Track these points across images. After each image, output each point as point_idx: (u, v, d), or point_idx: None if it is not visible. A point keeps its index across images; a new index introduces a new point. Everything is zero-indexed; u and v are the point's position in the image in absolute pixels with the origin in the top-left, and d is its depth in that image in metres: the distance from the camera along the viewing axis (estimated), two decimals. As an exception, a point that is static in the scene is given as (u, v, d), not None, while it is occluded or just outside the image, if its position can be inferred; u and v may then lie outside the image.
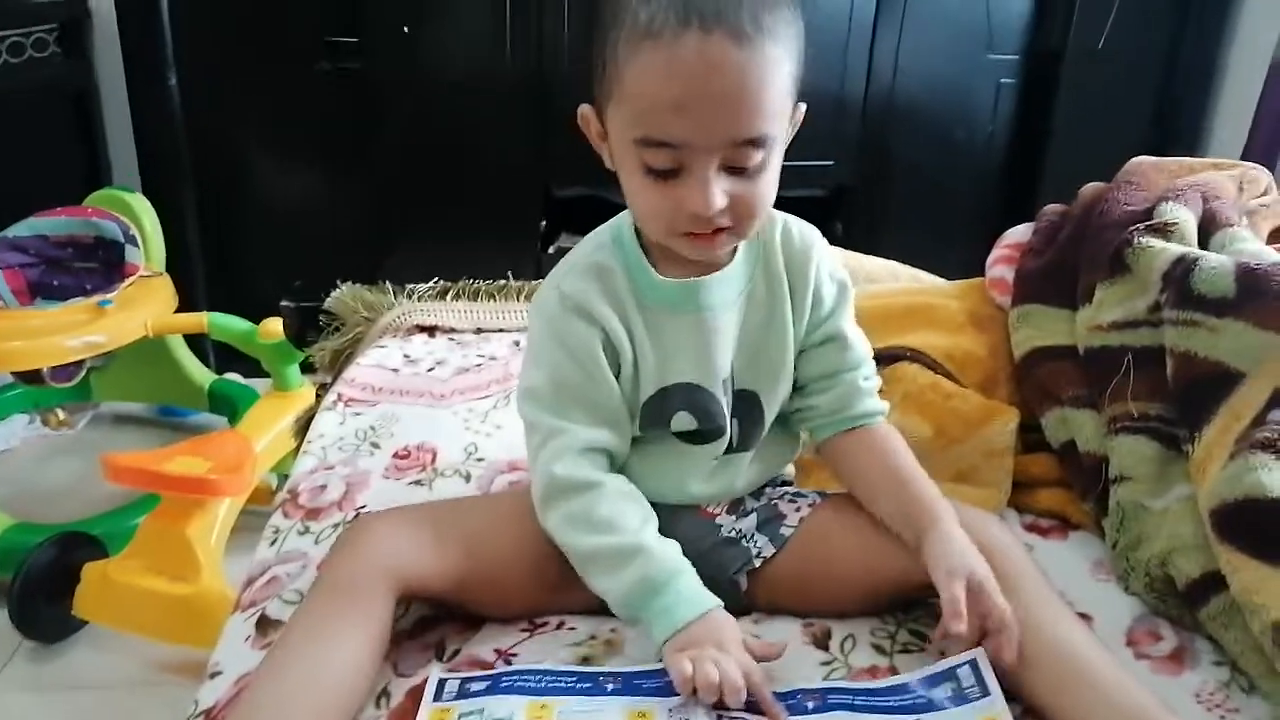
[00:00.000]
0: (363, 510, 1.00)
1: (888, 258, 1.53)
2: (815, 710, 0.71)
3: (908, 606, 0.85)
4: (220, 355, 2.25)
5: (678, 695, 0.69)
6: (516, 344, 1.40)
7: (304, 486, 1.06)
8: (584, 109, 0.77)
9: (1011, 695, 0.73)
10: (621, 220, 0.83)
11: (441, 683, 0.72)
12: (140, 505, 1.68)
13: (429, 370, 1.33)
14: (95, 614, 1.49)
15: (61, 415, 2.18)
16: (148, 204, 1.98)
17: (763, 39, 0.68)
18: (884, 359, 1.15)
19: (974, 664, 0.72)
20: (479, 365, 1.34)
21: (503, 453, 1.12)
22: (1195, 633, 0.84)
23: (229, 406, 2.04)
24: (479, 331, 1.47)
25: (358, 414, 1.21)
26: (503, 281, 1.54)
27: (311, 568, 0.92)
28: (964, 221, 2.46)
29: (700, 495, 0.87)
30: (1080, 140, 2.36)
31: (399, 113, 2.28)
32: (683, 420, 0.82)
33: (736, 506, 0.88)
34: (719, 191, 0.71)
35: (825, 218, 2.38)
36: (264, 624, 0.85)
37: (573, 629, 0.82)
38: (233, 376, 2.18)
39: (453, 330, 1.46)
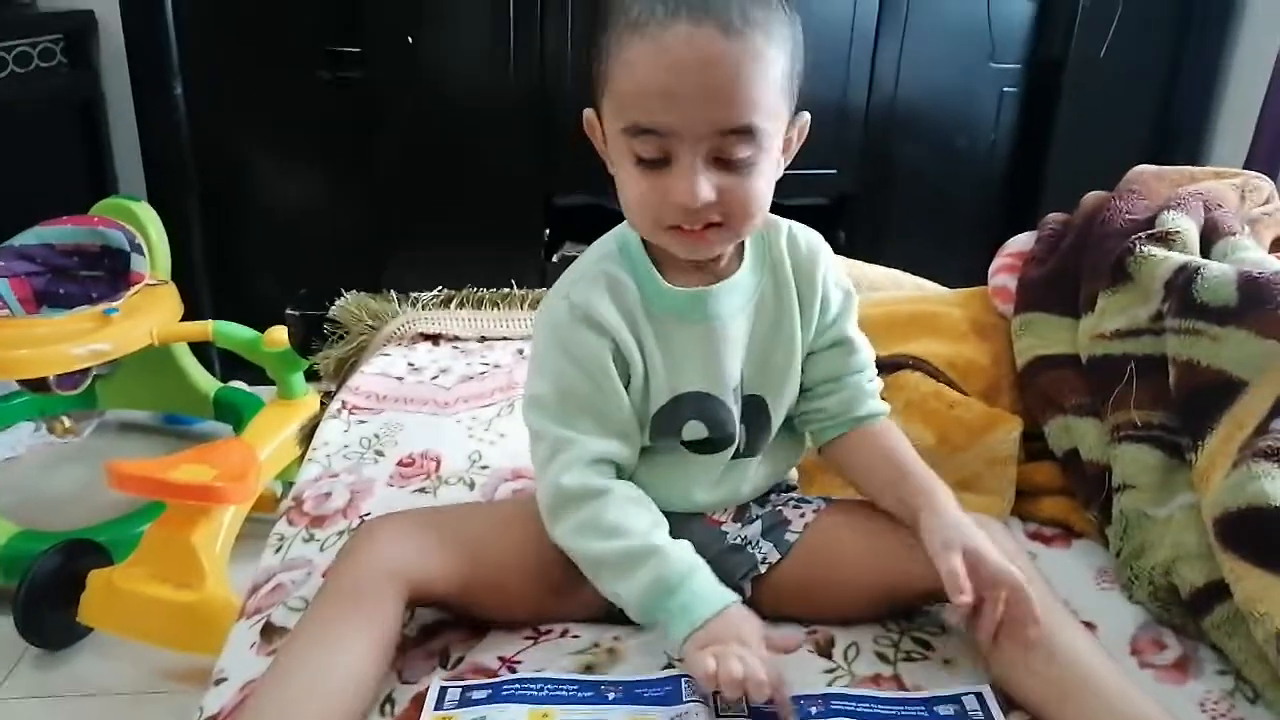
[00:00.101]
0: (367, 518, 1.01)
1: (890, 266, 1.53)
2: (819, 716, 0.71)
3: (911, 615, 0.85)
4: (225, 363, 2.26)
5: (679, 704, 0.69)
6: (520, 352, 1.40)
7: (309, 494, 1.06)
8: (588, 113, 0.77)
9: (1015, 703, 0.74)
10: (626, 229, 0.83)
11: (443, 691, 0.73)
12: (145, 513, 1.69)
13: (433, 378, 1.33)
14: (100, 621, 1.50)
15: (67, 423, 2.19)
16: (153, 213, 1.99)
17: (752, 32, 0.68)
18: (887, 367, 1.15)
19: (980, 696, 0.72)
20: (483, 373, 1.35)
21: (506, 460, 1.12)
22: (1199, 641, 0.84)
23: (234, 414, 2.05)
24: (483, 340, 1.47)
25: (362, 422, 1.21)
26: (506, 290, 1.55)
27: (316, 575, 0.92)
28: (966, 230, 2.46)
29: (706, 503, 0.87)
30: (1082, 149, 2.36)
31: (402, 122, 2.28)
32: (694, 429, 0.83)
33: (742, 513, 0.88)
34: (705, 183, 0.71)
35: (828, 226, 2.36)
36: (269, 631, 0.86)
37: (576, 637, 0.82)
38: (238, 384, 2.18)
39: (456, 338, 1.47)
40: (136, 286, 1.86)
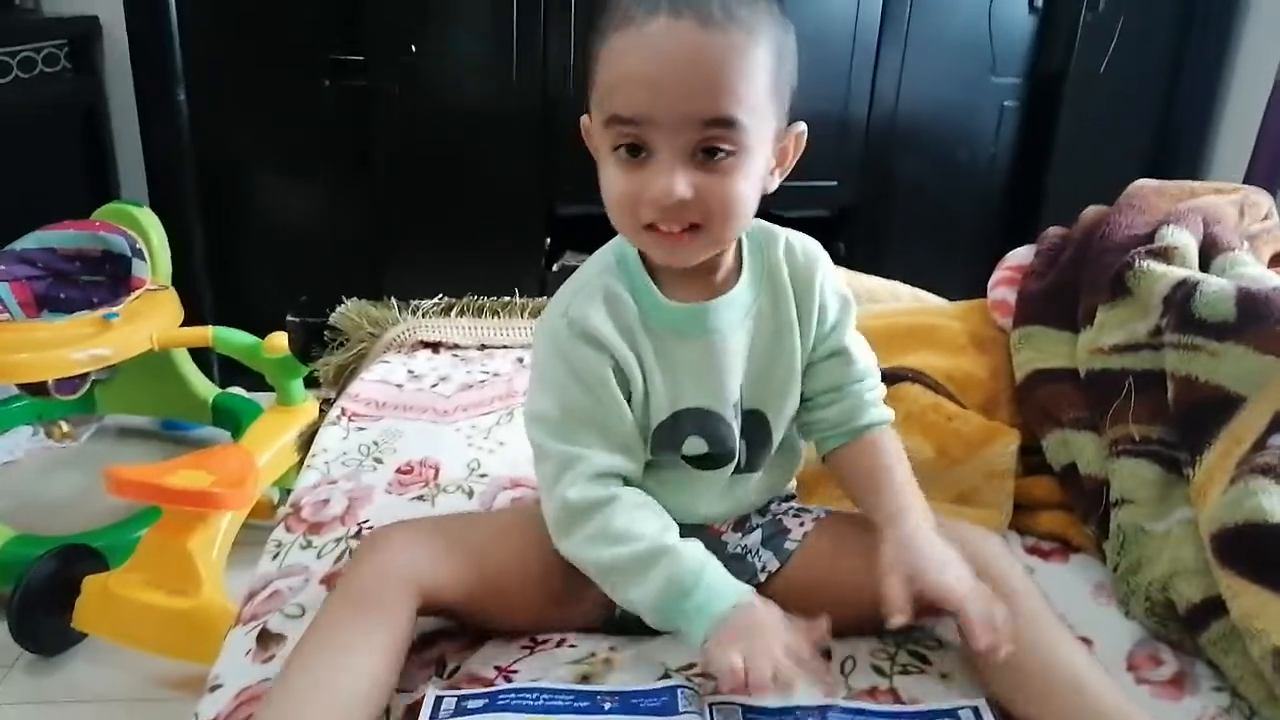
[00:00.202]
0: (365, 525, 1.01)
1: (890, 278, 1.54)
2: (815, 727, 0.71)
3: (908, 628, 0.84)
4: (224, 369, 2.26)
5: (675, 715, 0.69)
6: (520, 360, 1.41)
7: (307, 500, 1.06)
8: (585, 119, 0.77)
9: (1011, 718, 0.73)
10: (624, 241, 0.82)
11: (439, 700, 0.72)
12: (142, 518, 1.68)
13: (433, 386, 1.33)
14: (95, 627, 1.49)
15: (65, 428, 2.19)
16: (155, 218, 1.99)
17: (733, 26, 0.68)
18: (886, 379, 1.14)
19: (977, 710, 0.72)
20: (482, 381, 1.35)
21: (505, 469, 1.12)
22: (1196, 658, 0.84)
23: (232, 420, 2.05)
24: (483, 348, 1.47)
25: (361, 429, 1.21)
26: (507, 298, 1.55)
27: (314, 582, 0.92)
28: (966, 242, 2.47)
29: (709, 516, 0.87)
30: (1082, 163, 2.37)
31: (404, 130, 2.29)
32: (694, 445, 0.82)
33: (742, 523, 0.89)
34: (682, 179, 0.70)
35: (829, 238, 2.36)
36: (265, 638, 0.85)
37: (573, 646, 0.82)
38: (236, 390, 2.18)
39: (457, 346, 1.47)
40: (137, 291, 1.86)
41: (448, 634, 0.84)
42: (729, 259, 0.82)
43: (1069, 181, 2.36)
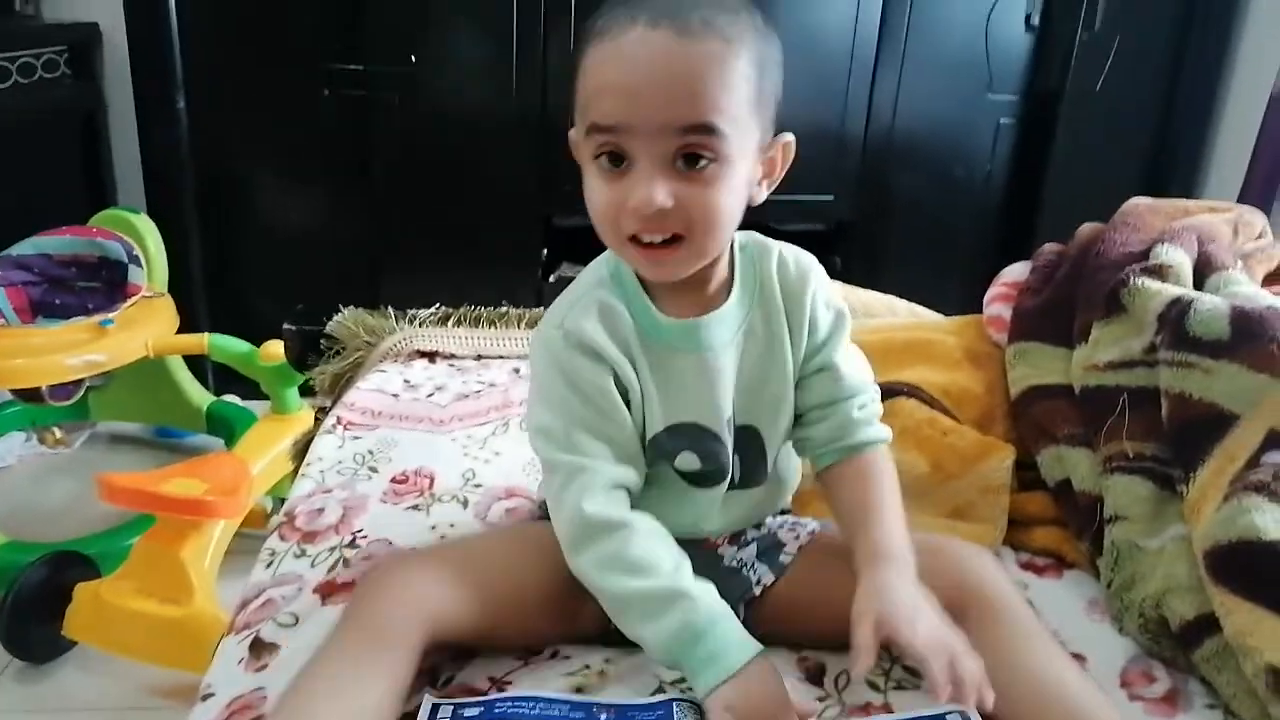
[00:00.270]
0: (360, 534, 1.00)
1: (886, 293, 1.54)
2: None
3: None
4: (219, 377, 2.26)
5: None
6: (516, 371, 1.41)
7: (301, 509, 1.06)
8: (572, 132, 0.77)
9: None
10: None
11: (435, 708, 0.72)
12: (135, 526, 1.68)
13: (429, 395, 1.33)
14: (86, 635, 1.48)
15: (58, 434, 2.18)
16: (152, 225, 1.99)
17: (711, 35, 0.69)
18: (881, 394, 1.16)
19: (963, 714, 0.72)
20: (479, 392, 1.35)
21: (500, 479, 1.12)
22: (1189, 674, 0.84)
23: (226, 428, 2.04)
24: (479, 358, 1.47)
25: (357, 438, 1.21)
26: (504, 309, 1.55)
27: (307, 591, 0.92)
28: (962, 258, 2.48)
29: (705, 531, 0.87)
30: (1077, 180, 2.38)
31: (403, 140, 2.30)
32: (686, 459, 0.82)
33: (737, 537, 0.88)
34: (661, 188, 0.69)
35: (825, 252, 2.38)
36: (258, 647, 0.85)
37: (567, 658, 0.82)
38: (230, 399, 2.18)
39: (453, 356, 1.47)
40: (133, 298, 1.86)
41: (441, 645, 0.84)
42: (721, 272, 0.81)
43: (1064, 199, 2.37)
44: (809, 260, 0.86)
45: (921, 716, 0.74)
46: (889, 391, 1.17)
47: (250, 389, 1.96)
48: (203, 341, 1.88)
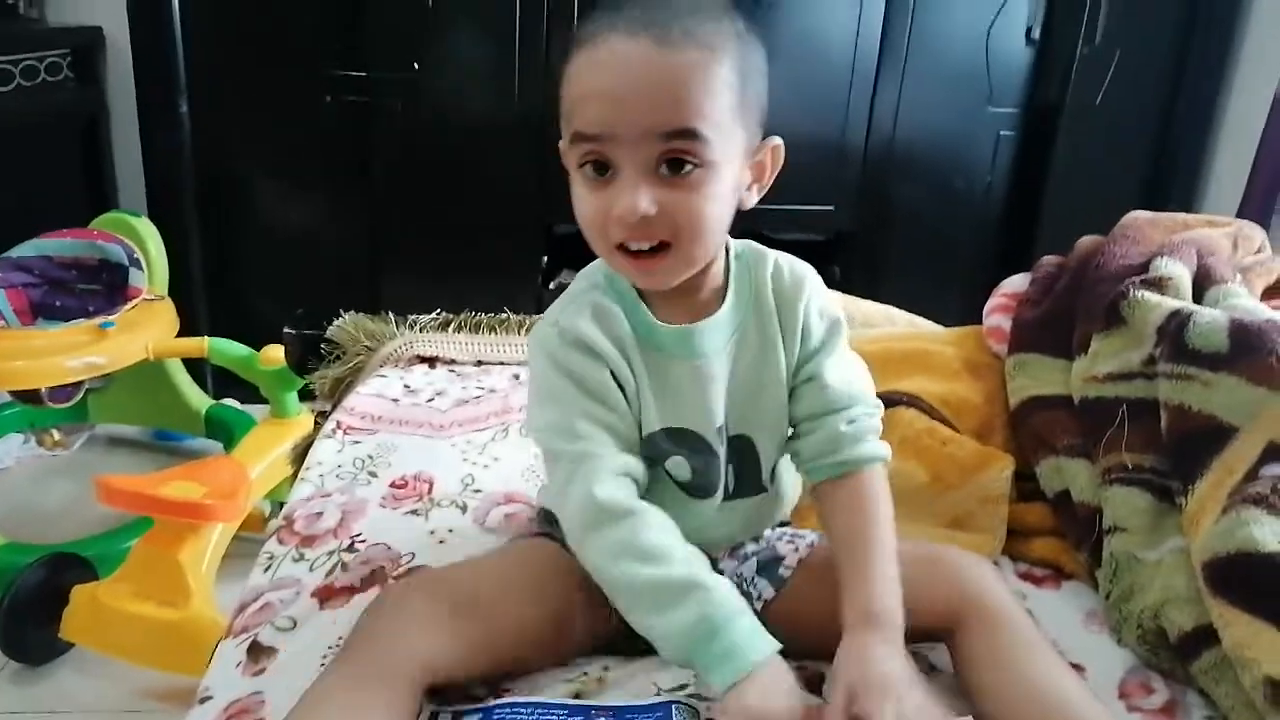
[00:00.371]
0: (358, 538, 1.00)
1: (885, 303, 1.55)
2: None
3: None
4: (218, 381, 2.26)
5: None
6: (516, 377, 1.41)
7: (300, 513, 1.06)
8: (561, 143, 0.77)
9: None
10: None
11: (434, 715, 0.72)
12: (133, 528, 1.68)
13: (428, 401, 1.33)
14: (83, 637, 1.48)
15: (57, 436, 2.18)
16: (153, 228, 2.00)
17: (690, 44, 0.69)
18: (881, 403, 1.16)
19: None
20: (478, 397, 1.35)
21: (499, 484, 1.12)
22: (1187, 686, 0.84)
23: (225, 432, 2.04)
24: (479, 364, 1.48)
25: (356, 442, 1.21)
26: (504, 315, 1.55)
27: (305, 595, 0.92)
28: (961, 269, 2.49)
29: (703, 542, 0.85)
30: (1077, 193, 2.39)
31: (405, 146, 2.30)
32: (678, 465, 0.81)
33: (736, 550, 0.88)
34: (645, 194, 0.70)
35: (825, 262, 2.40)
36: (255, 650, 0.85)
37: (564, 664, 0.82)
38: (229, 402, 2.18)
39: (453, 362, 1.47)
40: (133, 301, 1.86)
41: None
42: (715, 280, 0.81)
43: (1064, 211, 2.38)
44: (804, 268, 0.85)
45: None
46: (888, 401, 1.17)
47: (249, 393, 1.97)
48: (203, 345, 1.89)
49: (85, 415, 2.16)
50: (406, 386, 1.37)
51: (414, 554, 0.97)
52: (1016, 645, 0.75)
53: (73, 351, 1.72)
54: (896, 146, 2.41)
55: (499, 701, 0.74)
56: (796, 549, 0.87)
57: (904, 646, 0.73)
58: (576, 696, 0.76)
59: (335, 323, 1.49)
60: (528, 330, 1.52)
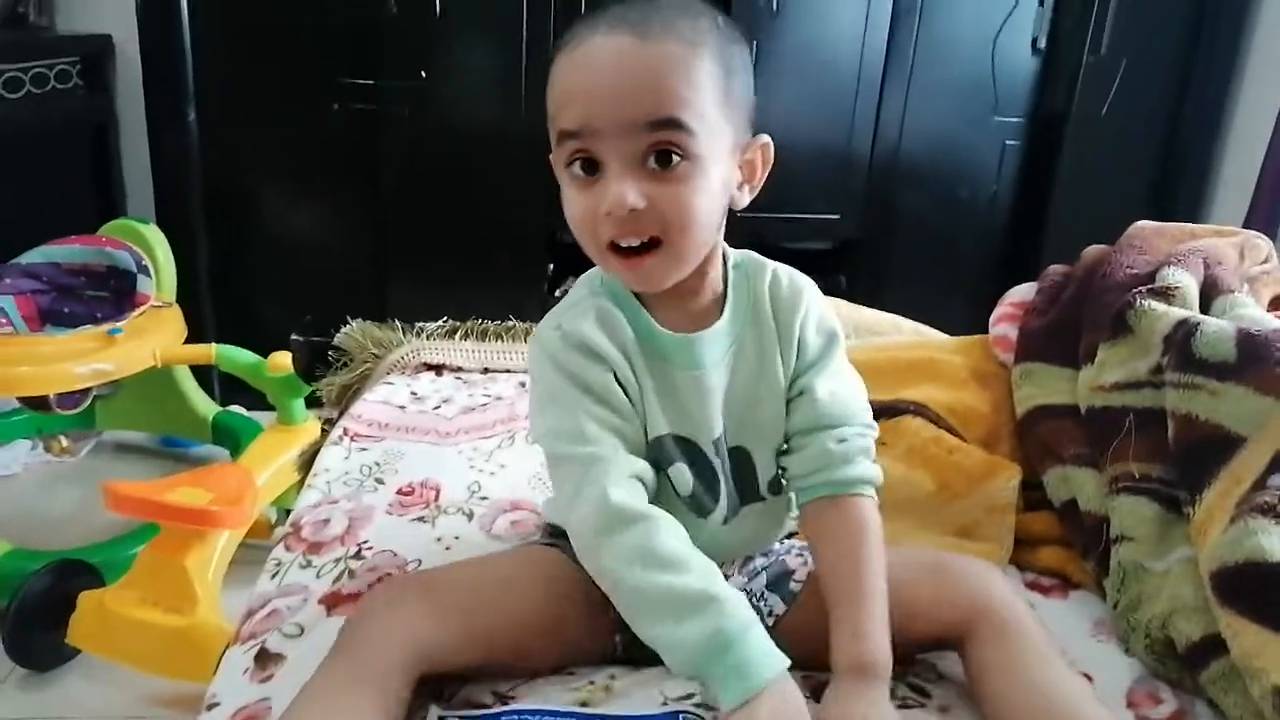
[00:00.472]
0: (365, 545, 1.01)
1: (891, 311, 1.55)
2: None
3: (909, 661, 0.84)
4: (225, 387, 2.27)
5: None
6: (523, 384, 1.41)
7: (307, 520, 1.06)
8: (552, 155, 0.77)
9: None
10: None
11: (441, 721, 0.72)
12: (139, 535, 1.68)
13: (435, 408, 1.34)
14: (89, 644, 1.48)
15: (64, 442, 2.18)
16: (161, 235, 2.00)
17: (671, 37, 0.69)
18: (887, 412, 1.16)
19: None
20: (485, 405, 1.35)
21: (506, 491, 1.12)
22: (1195, 696, 0.84)
23: (232, 439, 2.05)
24: (486, 371, 1.48)
25: (363, 449, 1.22)
26: (510, 322, 1.56)
27: (312, 601, 0.92)
28: (967, 279, 2.49)
29: (711, 558, 0.86)
30: (1083, 203, 2.39)
31: (412, 154, 2.31)
32: (679, 472, 0.80)
33: (746, 564, 0.87)
34: (632, 188, 0.69)
35: (830, 270, 2.41)
36: (263, 657, 0.85)
37: (571, 673, 0.81)
38: (236, 409, 2.18)
39: (460, 369, 1.48)
40: (141, 308, 1.86)
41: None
42: (713, 289, 0.81)
43: (1070, 221, 2.38)
44: (803, 280, 0.84)
45: None
46: (895, 410, 1.18)
47: (256, 400, 1.97)
48: (210, 352, 1.89)
49: (93, 422, 2.16)
50: (413, 394, 1.37)
51: (420, 561, 0.98)
52: (1027, 652, 0.75)
53: (81, 358, 1.72)
54: (902, 155, 2.41)
55: (505, 709, 0.74)
56: (806, 562, 0.86)
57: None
58: (583, 705, 0.76)
59: (343, 330, 1.49)
60: (534, 337, 1.52)
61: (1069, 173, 2.41)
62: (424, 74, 2.24)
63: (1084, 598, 0.99)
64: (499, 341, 1.52)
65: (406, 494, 1.11)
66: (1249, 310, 1.11)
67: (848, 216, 2.43)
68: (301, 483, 1.22)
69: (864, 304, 1.55)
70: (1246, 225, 2.08)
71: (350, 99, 2.25)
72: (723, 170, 0.74)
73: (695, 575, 0.70)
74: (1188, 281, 1.13)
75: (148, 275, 1.90)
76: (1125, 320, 1.09)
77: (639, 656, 0.79)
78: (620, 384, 0.78)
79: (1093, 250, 1.32)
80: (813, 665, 0.82)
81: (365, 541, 1.02)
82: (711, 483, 0.82)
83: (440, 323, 1.54)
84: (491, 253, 2.36)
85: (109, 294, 1.92)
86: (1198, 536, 0.89)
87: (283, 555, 1.01)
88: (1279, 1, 2.31)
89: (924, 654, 0.84)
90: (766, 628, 0.79)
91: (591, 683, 0.79)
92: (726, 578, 0.83)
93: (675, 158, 0.70)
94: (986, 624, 0.76)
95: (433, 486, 1.13)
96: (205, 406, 2.12)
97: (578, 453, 0.75)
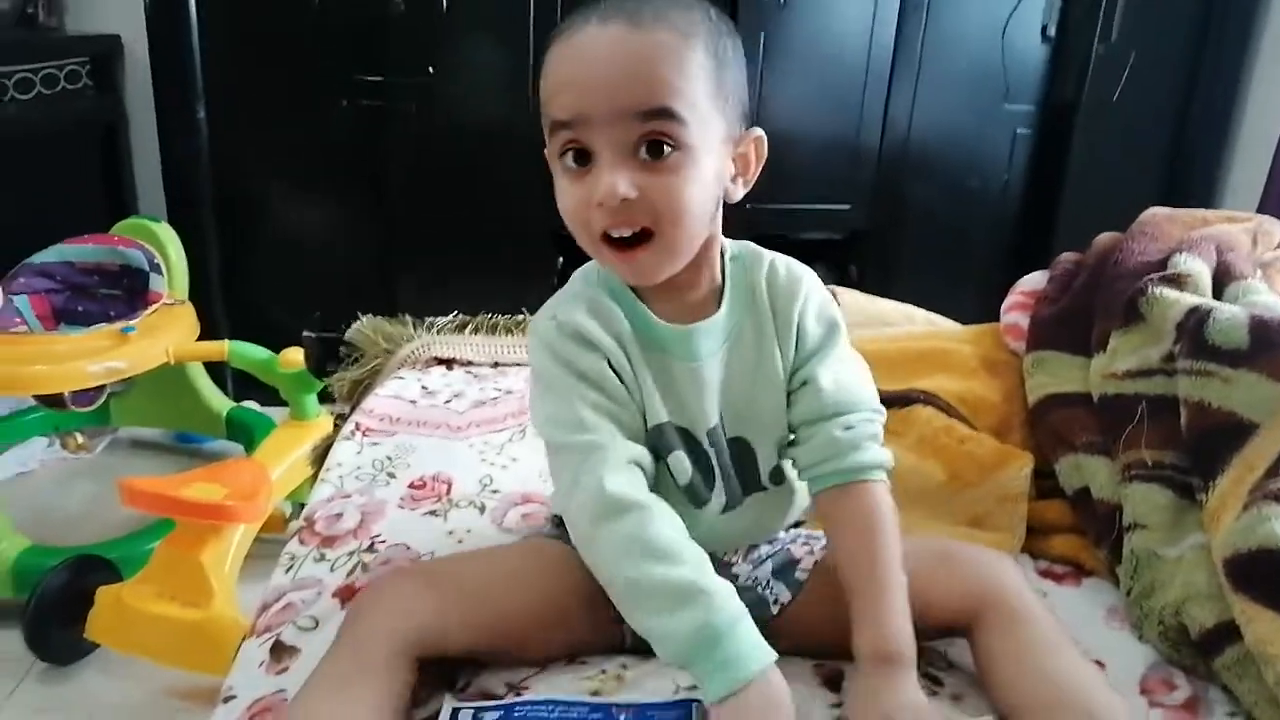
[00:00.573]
0: (378, 539, 1.01)
1: (902, 301, 1.54)
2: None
3: (920, 650, 0.84)
4: (238, 383, 2.28)
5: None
6: (533, 379, 1.41)
7: (320, 514, 1.07)
8: (547, 150, 0.77)
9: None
10: None
11: (455, 712, 0.73)
12: (155, 530, 1.69)
13: (446, 402, 1.34)
14: (107, 638, 1.50)
15: (80, 439, 2.20)
16: (173, 233, 2.02)
17: (663, 27, 0.69)
18: (898, 402, 1.16)
19: None
20: (495, 399, 1.35)
21: (517, 485, 1.13)
22: (1210, 682, 0.84)
23: (245, 434, 2.06)
24: (496, 365, 1.48)
25: (375, 444, 1.22)
26: (520, 316, 1.56)
27: (326, 595, 0.93)
28: (978, 268, 2.48)
29: (712, 548, 0.85)
30: (1094, 191, 2.38)
31: (420, 150, 2.32)
32: (678, 460, 0.80)
33: (751, 552, 0.87)
34: (624, 177, 0.69)
35: (841, 261, 2.41)
36: (278, 650, 0.86)
37: (584, 663, 0.82)
38: (250, 405, 2.20)
39: (470, 363, 1.48)
40: (154, 306, 1.87)
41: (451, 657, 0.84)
42: (711, 280, 0.81)
43: (1081, 209, 2.37)
44: (801, 270, 0.84)
45: None
46: (906, 399, 1.17)
47: (269, 395, 1.98)
48: (223, 348, 1.90)
49: (108, 419, 2.18)
50: (424, 388, 1.38)
51: (433, 554, 0.98)
52: (1036, 639, 0.75)
53: (95, 356, 1.74)
54: (912, 145, 2.41)
55: (519, 699, 0.74)
56: (811, 550, 0.86)
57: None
58: (595, 694, 0.76)
59: (354, 325, 1.50)
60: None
61: (1080, 161, 2.40)
62: (431, 70, 2.24)
63: (1097, 585, 0.99)
64: (509, 335, 1.52)
65: (418, 488, 1.12)
66: (1262, 296, 1.10)
67: (857, 207, 2.43)
68: (315, 477, 1.23)
69: (874, 294, 1.55)
70: (1260, 210, 2.07)
71: (358, 95, 2.26)
72: (715, 162, 0.74)
73: (687, 568, 0.70)
74: (1200, 268, 1.13)
75: (160, 273, 1.91)
76: (1137, 307, 1.08)
77: (648, 646, 0.80)
78: (615, 372, 0.78)
79: (1104, 238, 1.31)
80: (823, 654, 0.83)
81: (378, 535, 1.02)
82: (707, 472, 0.82)
83: (450, 317, 1.54)
84: (500, 247, 2.37)
85: (122, 292, 1.94)
86: (1211, 523, 0.89)
87: (297, 549, 1.02)
88: (1292, -14, 2.30)
89: (933, 641, 0.84)
90: (772, 615, 0.80)
91: (604, 672, 0.80)
92: (731, 565, 0.85)
93: (667, 148, 0.70)
94: (995, 612, 0.76)
95: (444, 480, 1.13)
96: (219, 402, 2.14)
97: (576, 441, 0.75)
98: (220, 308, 2.35)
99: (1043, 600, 0.82)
